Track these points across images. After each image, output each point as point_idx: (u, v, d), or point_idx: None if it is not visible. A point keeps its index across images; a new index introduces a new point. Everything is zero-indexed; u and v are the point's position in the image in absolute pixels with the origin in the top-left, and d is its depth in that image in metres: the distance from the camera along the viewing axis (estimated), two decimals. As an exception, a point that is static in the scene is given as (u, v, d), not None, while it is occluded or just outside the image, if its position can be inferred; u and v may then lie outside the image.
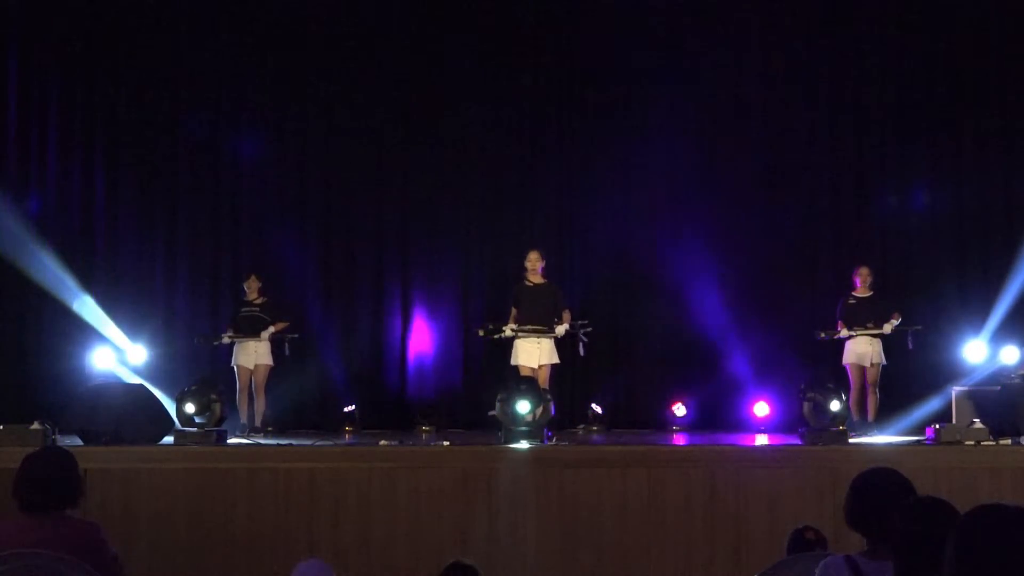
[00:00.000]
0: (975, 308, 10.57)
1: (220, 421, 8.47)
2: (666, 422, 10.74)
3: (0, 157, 11.16)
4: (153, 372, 10.50)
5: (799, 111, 11.33)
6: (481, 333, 9.31)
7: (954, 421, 8.74)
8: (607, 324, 10.74)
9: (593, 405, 10.80)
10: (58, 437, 8.08)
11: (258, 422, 9.92)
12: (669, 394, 10.89)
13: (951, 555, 2.27)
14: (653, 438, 9.76)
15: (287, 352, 10.08)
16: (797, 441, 8.29)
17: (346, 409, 10.70)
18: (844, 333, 9.68)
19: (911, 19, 11.20)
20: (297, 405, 10.90)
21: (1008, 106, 11.12)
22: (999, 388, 8.97)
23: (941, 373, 10.13)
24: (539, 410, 8.16)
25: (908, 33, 11.23)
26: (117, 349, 10.58)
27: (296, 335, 10.15)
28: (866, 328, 9.65)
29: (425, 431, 10.50)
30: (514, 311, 9.35)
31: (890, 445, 8.47)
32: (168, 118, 11.44)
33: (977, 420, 8.18)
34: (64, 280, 10.80)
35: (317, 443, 8.72)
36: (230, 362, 10.04)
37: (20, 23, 11.21)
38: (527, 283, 9.41)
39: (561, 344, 9.36)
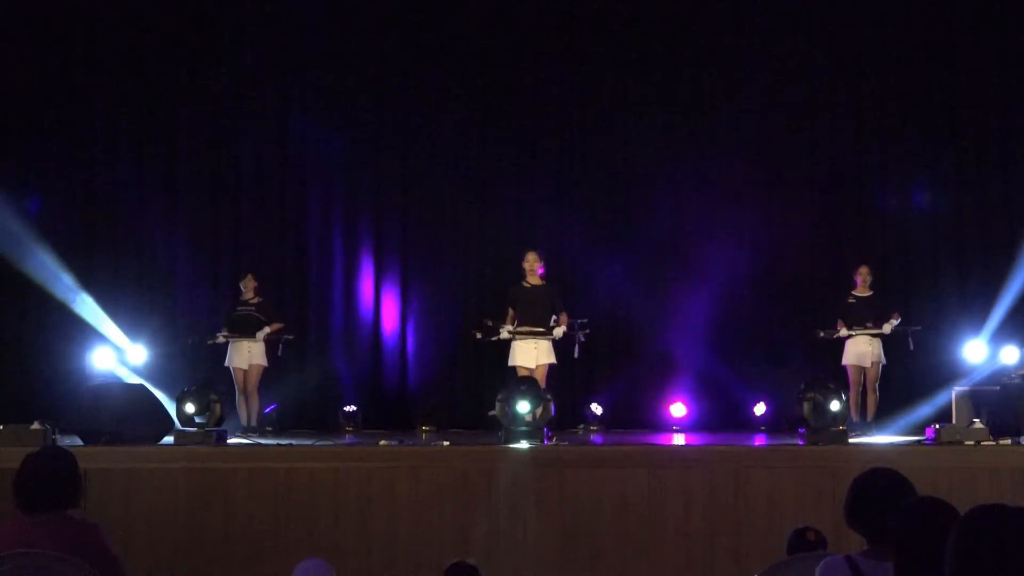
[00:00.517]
0: (975, 308, 10.57)
1: (220, 421, 8.46)
2: (666, 422, 10.74)
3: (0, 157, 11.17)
4: (153, 372, 10.50)
5: (799, 111, 11.32)
6: (478, 335, 9.29)
7: (954, 421, 8.75)
8: (607, 324, 10.74)
9: (593, 405, 10.81)
10: (58, 437, 8.07)
11: (253, 422, 9.92)
12: (669, 394, 10.89)
13: (951, 555, 2.27)
14: (653, 438, 9.75)
15: (280, 353, 10.07)
16: (797, 441, 8.29)
17: (346, 409, 10.71)
18: (844, 333, 9.68)
19: (911, 19, 11.20)
20: (297, 405, 10.91)
21: (1008, 106, 11.13)
22: (999, 388, 8.97)
23: (941, 373, 10.14)
24: (539, 410, 8.16)
25: (908, 33, 11.23)
26: (117, 349, 10.58)
27: (291, 336, 10.16)
28: (866, 328, 9.64)
29: (425, 431, 10.51)
30: (511, 312, 9.33)
31: (890, 445, 8.47)
32: (168, 117, 11.44)
33: (977, 420, 8.18)
34: (64, 280, 10.81)
35: (317, 443, 8.72)
36: (224, 362, 10.03)
37: (20, 19, 11.22)
38: (525, 284, 9.40)
39: (558, 344, 9.35)
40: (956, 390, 9.28)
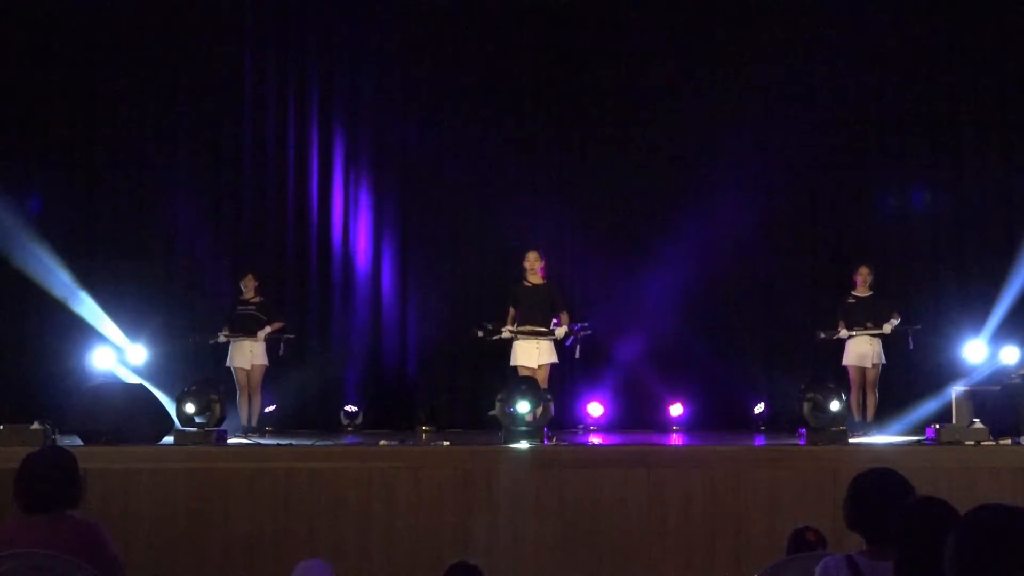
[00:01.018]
0: (975, 308, 10.57)
1: (220, 421, 8.46)
2: (666, 422, 10.74)
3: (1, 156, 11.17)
4: (153, 372, 10.49)
5: (799, 111, 11.32)
6: (480, 334, 9.29)
7: (954, 421, 8.75)
8: (607, 324, 10.74)
9: (593, 405, 10.81)
10: (58, 437, 8.07)
11: (254, 422, 9.92)
12: (669, 394, 10.89)
13: (951, 555, 2.27)
14: (653, 438, 9.76)
15: (282, 352, 10.07)
16: (797, 441, 8.29)
17: (346, 409, 10.71)
18: (844, 333, 9.67)
19: (911, 18, 11.20)
20: (297, 405, 10.91)
21: (1008, 106, 11.13)
22: (999, 388, 8.97)
23: (941, 373, 10.14)
24: (539, 410, 8.16)
25: (908, 32, 11.23)
26: (117, 349, 10.58)
27: (292, 336, 10.16)
28: (866, 328, 9.64)
29: (425, 431, 10.51)
30: (512, 311, 9.33)
31: (890, 445, 8.47)
32: (168, 117, 11.44)
33: (977, 420, 8.18)
34: (64, 280, 10.80)
35: (317, 443, 8.73)
36: (225, 362, 10.03)
37: (20, 19, 11.23)
38: (526, 283, 9.39)
39: (559, 344, 9.35)
40: (956, 390, 9.27)
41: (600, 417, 10.78)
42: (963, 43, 11.16)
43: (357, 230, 11.58)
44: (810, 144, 11.40)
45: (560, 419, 9.61)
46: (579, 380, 10.95)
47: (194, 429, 8.22)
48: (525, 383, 8.42)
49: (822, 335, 9.77)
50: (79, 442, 8.11)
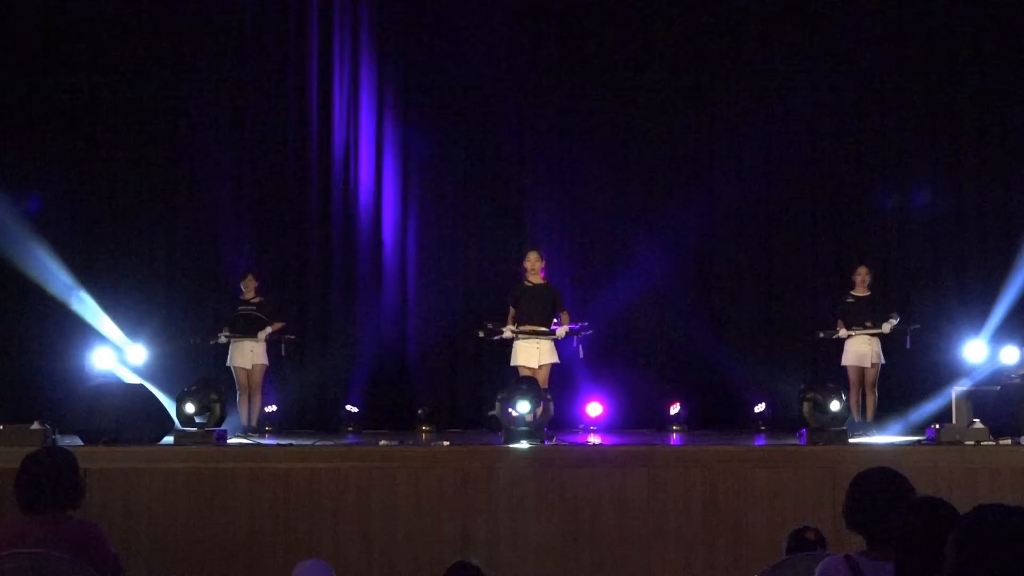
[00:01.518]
0: (975, 308, 10.57)
1: (220, 421, 8.46)
2: (666, 422, 10.73)
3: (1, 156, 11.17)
4: (153, 372, 10.49)
5: (799, 111, 11.32)
6: (480, 334, 9.29)
7: (954, 421, 8.75)
8: (607, 325, 10.74)
9: (593, 405, 10.81)
10: (58, 437, 8.07)
11: (254, 422, 9.92)
12: (669, 394, 10.89)
13: (951, 555, 2.27)
14: (653, 438, 9.75)
15: (283, 353, 10.08)
16: (797, 441, 8.29)
17: (346, 409, 10.70)
18: (843, 333, 9.67)
19: (911, 18, 11.20)
20: (297, 405, 10.91)
21: (1008, 106, 11.13)
22: (999, 388, 8.96)
23: (941, 373, 10.14)
24: (539, 410, 8.16)
25: (909, 32, 11.23)
26: (117, 349, 10.58)
27: (293, 336, 10.15)
28: (865, 328, 9.64)
29: (425, 431, 10.51)
30: (512, 311, 9.34)
31: (890, 445, 8.47)
32: (168, 117, 11.44)
33: (977, 420, 8.18)
34: (64, 279, 10.80)
35: (317, 443, 8.73)
36: (226, 362, 10.03)
37: (20, 19, 11.23)
38: (526, 284, 9.40)
39: (560, 344, 9.35)
40: (956, 390, 9.27)
41: (600, 417, 10.77)
42: (964, 43, 11.15)
43: (357, 230, 11.57)
44: (810, 144, 11.40)
45: (560, 419, 9.60)
46: (579, 380, 10.93)
47: (194, 429, 8.22)
48: (525, 383, 8.42)
49: (822, 336, 9.77)
50: (79, 442, 8.11)
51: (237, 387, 9.94)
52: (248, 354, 9.94)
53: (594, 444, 9.03)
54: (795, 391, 8.48)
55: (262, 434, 9.72)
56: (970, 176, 11.19)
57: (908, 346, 9.61)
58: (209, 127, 11.52)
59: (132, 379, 10.17)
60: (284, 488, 7.46)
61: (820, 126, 11.40)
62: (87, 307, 10.78)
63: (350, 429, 10.53)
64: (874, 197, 11.33)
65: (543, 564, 7.27)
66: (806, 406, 8.17)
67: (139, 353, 10.62)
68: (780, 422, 10.19)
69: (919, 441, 8.44)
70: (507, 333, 9.17)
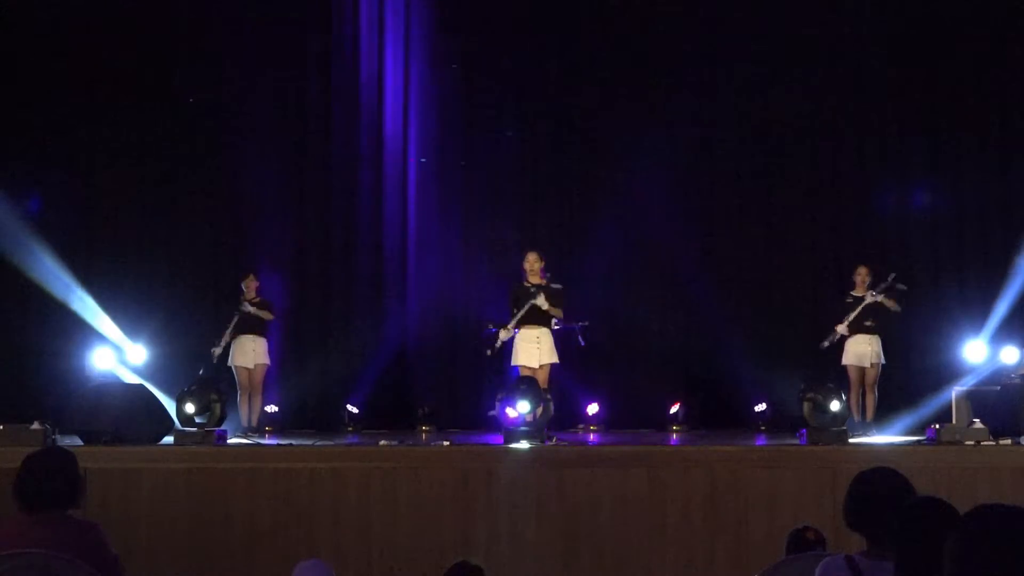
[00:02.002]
0: (975, 308, 10.57)
1: (220, 421, 8.46)
2: (666, 422, 10.73)
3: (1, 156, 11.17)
4: (153, 372, 10.49)
5: (799, 110, 11.32)
6: (489, 353, 9.28)
7: (954, 421, 8.75)
8: (607, 324, 10.74)
9: (593, 405, 10.81)
10: (58, 437, 8.08)
11: (255, 422, 9.92)
12: (669, 394, 10.88)
13: (951, 555, 2.26)
14: (653, 438, 9.75)
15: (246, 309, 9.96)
16: (797, 441, 8.29)
17: (346, 409, 10.71)
18: (842, 328, 9.64)
19: (911, 18, 11.20)
20: (297, 405, 10.91)
21: (1008, 105, 11.13)
22: (999, 388, 8.97)
23: (941, 373, 10.14)
24: (539, 410, 8.16)
25: (908, 32, 11.23)
26: (117, 349, 10.58)
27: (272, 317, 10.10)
28: (865, 329, 9.64)
29: (425, 431, 10.51)
30: (515, 312, 9.34)
31: (890, 445, 8.47)
32: (169, 117, 11.44)
33: (977, 420, 8.18)
34: (64, 279, 10.80)
35: (317, 443, 8.73)
36: (227, 362, 10.03)
37: (20, 18, 11.23)
38: (526, 284, 9.40)
39: (559, 342, 9.35)
40: (956, 390, 9.27)
41: (600, 417, 10.77)
42: (963, 43, 11.15)
43: (357, 230, 11.57)
44: (810, 144, 11.40)
45: (560, 419, 9.60)
46: (579, 380, 10.94)
47: (194, 429, 8.22)
48: (525, 383, 8.42)
49: (825, 344, 9.74)
50: (79, 442, 8.11)
51: (238, 387, 9.94)
52: (250, 353, 9.94)
53: (594, 444, 9.04)
54: (795, 391, 8.48)
55: (262, 434, 9.72)
56: (970, 176, 11.19)
57: (901, 286, 9.51)
58: (209, 125, 11.51)
59: (132, 379, 10.17)
60: (284, 488, 7.46)
61: (820, 126, 11.39)
62: (87, 307, 10.78)
63: (350, 429, 10.53)
64: (874, 197, 11.33)
65: (543, 564, 7.27)
66: (806, 406, 8.17)
67: (139, 353, 10.62)
68: (780, 422, 10.19)
69: (919, 441, 8.44)
70: (502, 335, 9.17)
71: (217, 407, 8.37)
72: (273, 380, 10.37)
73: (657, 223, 11.37)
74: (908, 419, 9.61)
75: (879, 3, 11.26)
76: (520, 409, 8.08)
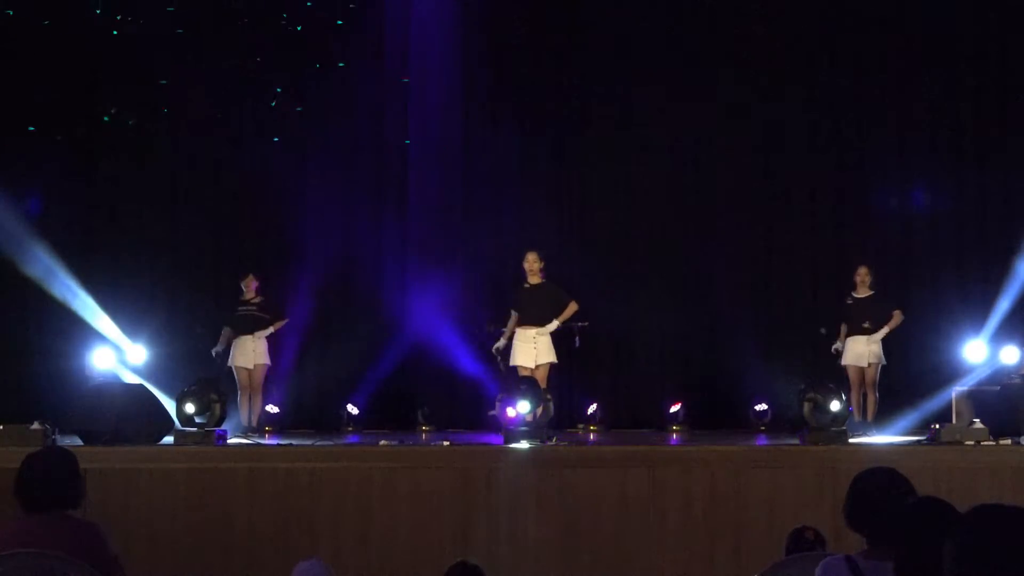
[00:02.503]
0: (975, 308, 10.57)
1: (220, 421, 8.46)
2: (666, 422, 10.73)
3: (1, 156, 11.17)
4: (153, 372, 10.49)
5: (799, 111, 11.32)
6: (500, 362, 9.30)
7: (954, 421, 8.74)
8: (607, 324, 10.74)
9: (593, 405, 10.81)
10: (58, 437, 8.07)
11: (255, 422, 9.92)
12: (669, 394, 10.88)
13: (951, 555, 2.26)
14: (653, 438, 9.75)
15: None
16: (797, 441, 8.29)
17: (346, 409, 10.71)
18: (839, 344, 9.73)
19: (911, 18, 11.20)
20: (297, 405, 10.90)
21: (1008, 105, 11.13)
22: (999, 388, 8.97)
23: (941, 373, 10.14)
24: (539, 410, 8.17)
25: (908, 32, 11.23)
26: (117, 349, 10.58)
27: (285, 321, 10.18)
28: (864, 329, 9.65)
29: (425, 431, 10.51)
30: (515, 314, 9.35)
31: (890, 445, 8.47)
32: (168, 117, 11.44)
33: (977, 420, 8.18)
34: (64, 279, 10.80)
35: (317, 443, 8.73)
36: (227, 362, 10.03)
37: (20, 18, 11.24)
38: (526, 284, 9.41)
39: (558, 342, 9.35)
40: (956, 390, 9.27)
41: (600, 417, 10.77)
42: (963, 43, 11.15)
43: (357, 229, 11.57)
44: (810, 144, 11.40)
45: (560, 419, 9.60)
46: (579, 380, 10.94)
47: (194, 429, 8.22)
48: (525, 383, 8.43)
49: (823, 330, 9.77)
50: (79, 442, 8.11)
51: (238, 387, 9.95)
52: (251, 354, 9.95)
53: (594, 444, 9.04)
54: (795, 391, 8.47)
55: (262, 434, 9.72)
56: (970, 176, 11.19)
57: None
58: (209, 125, 11.51)
59: (132, 379, 10.17)
60: (284, 488, 7.45)
61: (820, 126, 11.39)
62: (87, 307, 10.78)
63: (350, 429, 10.53)
64: (874, 197, 11.33)
65: (542, 564, 7.26)
66: (806, 406, 8.17)
67: (139, 353, 10.62)
68: (780, 422, 10.18)
69: (919, 441, 8.44)
70: (501, 341, 9.19)
71: (217, 407, 8.36)
72: (273, 380, 10.36)
73: (657, 223, 11.38)
74: (908, 419, 9.61)
75: (881, 3, 11.25)
76: (520, 409, 8.08)
